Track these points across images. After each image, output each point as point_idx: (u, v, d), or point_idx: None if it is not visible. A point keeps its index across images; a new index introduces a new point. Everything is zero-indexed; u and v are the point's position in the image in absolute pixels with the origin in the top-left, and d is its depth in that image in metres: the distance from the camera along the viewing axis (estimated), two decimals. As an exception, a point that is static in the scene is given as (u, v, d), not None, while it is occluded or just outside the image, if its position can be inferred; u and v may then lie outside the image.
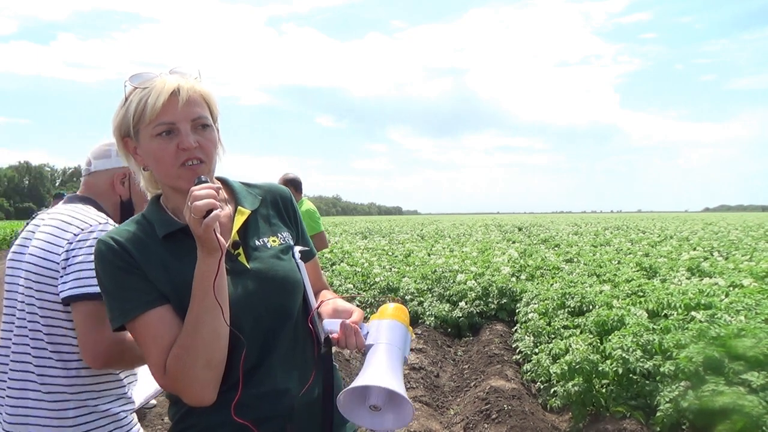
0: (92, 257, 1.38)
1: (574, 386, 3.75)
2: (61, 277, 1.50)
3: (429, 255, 11.91)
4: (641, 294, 5.67)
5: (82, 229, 1.55)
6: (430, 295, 7.49)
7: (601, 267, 8.66)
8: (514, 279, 7.85)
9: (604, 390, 3.86)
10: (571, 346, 4.19)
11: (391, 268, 9.62)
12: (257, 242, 1.21)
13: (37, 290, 1.53)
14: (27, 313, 1.55)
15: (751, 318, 4.06)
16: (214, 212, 0.99)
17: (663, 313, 4.70)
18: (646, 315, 4.67)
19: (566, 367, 3.89)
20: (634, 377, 3.74)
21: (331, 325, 1.15)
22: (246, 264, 1.16)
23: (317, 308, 1.24)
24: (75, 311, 1.48)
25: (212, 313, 1.04)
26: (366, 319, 1.19)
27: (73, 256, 1.50)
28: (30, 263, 1.55)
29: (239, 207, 1.22)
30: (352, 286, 8.45)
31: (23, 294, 1.56)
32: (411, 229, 29.50)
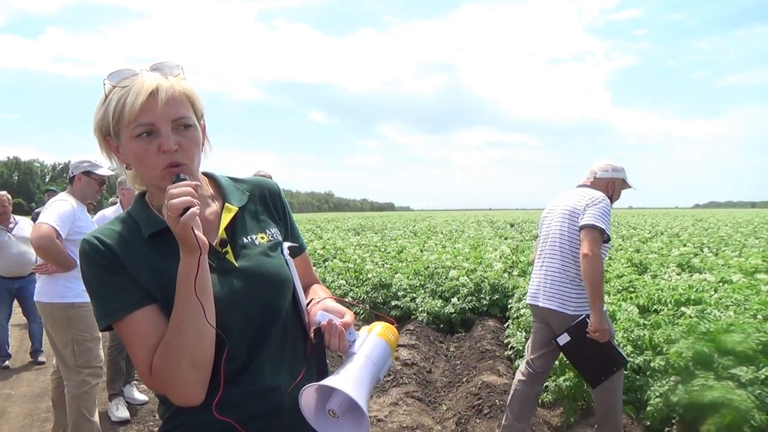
0: (600, 212, 3.06)
1: (565, 381, 3.78)
2: (580, 218, 3.11)
3: (421, 251, 11.91)
4: (632, 290, 5.71)
5: (592, 198, 3.14)
6: (422, 291, 7.50)
7: (592, 263, 8.69)
8: (506, 275, 7.87)
9: (595, 385, 3.88)
10: (562, 342, 4.21)
11: (383, 264, 9.61)
12: (245, 239, 1.19)
13: (569, 223, 3.19)
14: (557, 235, 3.24)
15: (740, 313, 4.11)
16: (191, 210, 0.97)
17: (653, 309, 4.74)
18: (637, 310, 4.70)
19: (557, 363, 3.91)
20: (625, 372, 3.77)
21: (322, 317, 1.14)
22: (234, 262, 1.15)
23: (308, 307, 1.23)
24: (584, 232, 3.05)
25: (196, 312, 1.03)
26: (357, 327, 1.18)
27: (587, 208, 3.09)
28: (564, 212, 3.23)
29: (226, 204, 1.20)
30: (344, 282, 8.44)
31: (558, 226, 3.25)
32: (403, 225, 29.48)
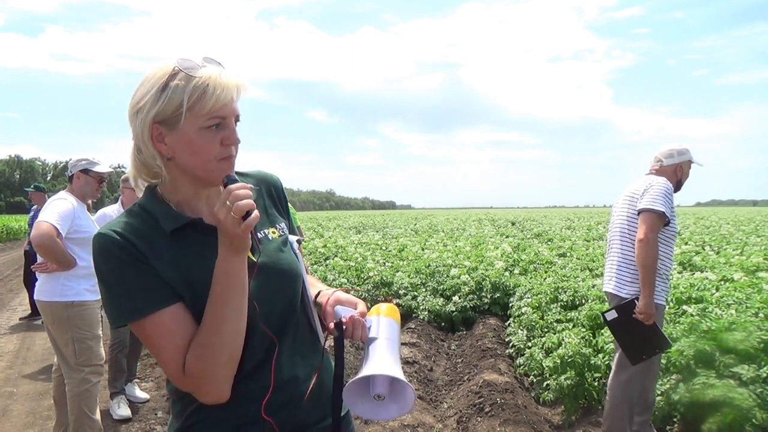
0: (657, 195, 3.09)
1: (566, 380, 3.77)
2: (638, 202, 3.16)
3: (423, 249, 11.90)
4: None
5: (650, 182, 3.17)
6: (423, 290, 7.50)
7: (593, 261, 8.70)
8: (507, 273, 7.87)
9: (596, 383, 3.88)
10: (563, 340, 4.21)
11: (384, 263, 9.60)
12: (259, 235, 1.19)
13: (628, 208, 3.28)
14: (618, 221, 3.34)
15: (742, 312, 4.09)
16: (255, 213, 0.99)
17: (655, 307, 4.73)
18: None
19: (559, 361, 3.91)
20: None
21: (344, 312, 1.20)
22: (254, 258, 1.14)
23: (317, 297, 1.27)
24: (641, 217, 3.11)
25: (237, 311, 1.03)
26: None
27: (645, 192, 3.14)
28: (626, 198, 3.31)
29: None
30: (345, 280, 8.44)
31: (620, 212, 3.34)
32: (404, 223, 29.48)
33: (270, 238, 1.20)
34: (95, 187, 3.40)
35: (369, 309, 1.25)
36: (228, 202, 0.98)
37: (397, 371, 1.09)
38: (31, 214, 7.32)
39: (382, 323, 1.20)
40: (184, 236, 1.10)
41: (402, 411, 1.14)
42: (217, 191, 1.15)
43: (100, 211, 4.29)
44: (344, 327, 1.17)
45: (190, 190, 1.14)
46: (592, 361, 3.87)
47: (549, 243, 13.57)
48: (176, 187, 1.14)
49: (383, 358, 1.11)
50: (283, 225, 1.27)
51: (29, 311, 7.70)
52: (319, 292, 1.28)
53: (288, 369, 1.16)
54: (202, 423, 1.14)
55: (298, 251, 1.25)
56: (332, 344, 1.21)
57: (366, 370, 1.08)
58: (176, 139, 1.07)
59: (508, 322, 6.13)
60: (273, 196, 1.31)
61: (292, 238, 1.27)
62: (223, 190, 1.01)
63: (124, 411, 4.06)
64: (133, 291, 1.04)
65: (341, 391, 1.15)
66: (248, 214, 0.98)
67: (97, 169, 3.36)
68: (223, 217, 0.99)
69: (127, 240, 1.06)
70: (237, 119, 1.11)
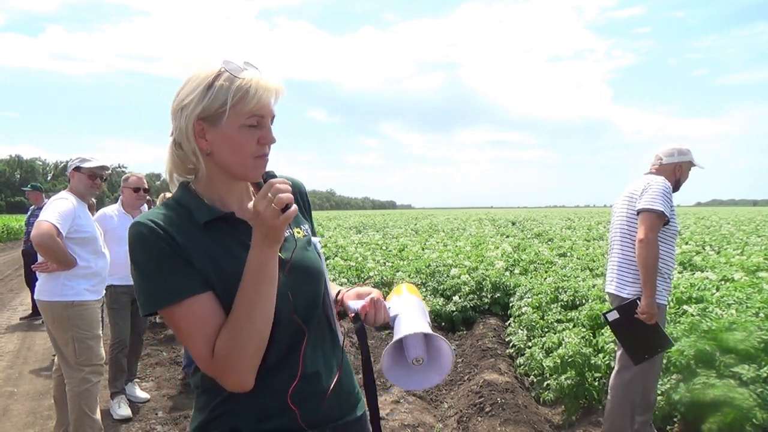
0: (656, 194, 3.10)
1: (566, 379, 3.77)
2: (637, 202, 3.18)
3: (423, 249, 11.90)
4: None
5: (649, 182, 3.19)
6: (424, 290, 7.49)
7: (593, 261, 8.70)
8: (507, 273, 7.86)
9: (596, 383, 3.88)
10: (564, 340, 4.21)
11: (385, 263, 9.61)
12: (286, 233, 1.23)
13: (627, 209, 3.29)
14: (618, 221, 3.36)
15: (742, 312, 4.09)
16: (294, 207, 1.05)
17: (655, 307, 4.72)
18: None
19: (559, 361, 3.91)
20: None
21: (356, 304, 1.25)
22: (281, 255, 1.17)
23: (337, 296, 1.33)
24: (641, 217, 3.12)
25: (266, 303, 1.08)
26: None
27: (643, 192, 3.16)
28: (625, 198, 3.32)
29: None
30: (346, 280, 8.44)
31: (620, 212, 3.36)
32: (405, 223, 29.47)
33: (295, 237, 1.25)
34: (88, 183, 3.35)
35: (390, 293, 1.32)
36: (269, 194, 1.03)
37: (427, 328, 1.13)
38: (29, 213, 7.32)
39: (407, 300, 1.26)
40: (217, 229, 1.15)
41: (442, 373, 1.18)
42: (246, 187, 1.25)
43: (100, 211, 4.28)
44: (365, 315, 1.23)
45: (224, 186, 1.20)
46: (593, 361, 3.87)
47: (549, 243, 13.57)
48: (212, 183, 1.20)
49: (412, 322, 1.16)
50: (306, 226, 1.33)
51: (30, 311, 7.70)
52: (338, 291, 1.35)
53: (311, 363, 1.20)
54: (228, 414, 1.17)
55: (320, 251, 1.30)
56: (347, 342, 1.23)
57: (398, 335, 1.13)
58: (217, 135, 1.13)
59: (509, 322, 6.13)
60: (298, 199, 1.36)
61: (315, 240, 1.32)
62: (264, 185, 1.07)
63: (124, 411, 4.06)
64: (168, 279, 1.09)
65: (371, 376, 1.22)
66: (287, 207, 1.03)
67: (87, 165, 3.32)
68: (263, 209, 1.03)
69: (164, 231, 1.10)
70: (272, 119, 1.17)
